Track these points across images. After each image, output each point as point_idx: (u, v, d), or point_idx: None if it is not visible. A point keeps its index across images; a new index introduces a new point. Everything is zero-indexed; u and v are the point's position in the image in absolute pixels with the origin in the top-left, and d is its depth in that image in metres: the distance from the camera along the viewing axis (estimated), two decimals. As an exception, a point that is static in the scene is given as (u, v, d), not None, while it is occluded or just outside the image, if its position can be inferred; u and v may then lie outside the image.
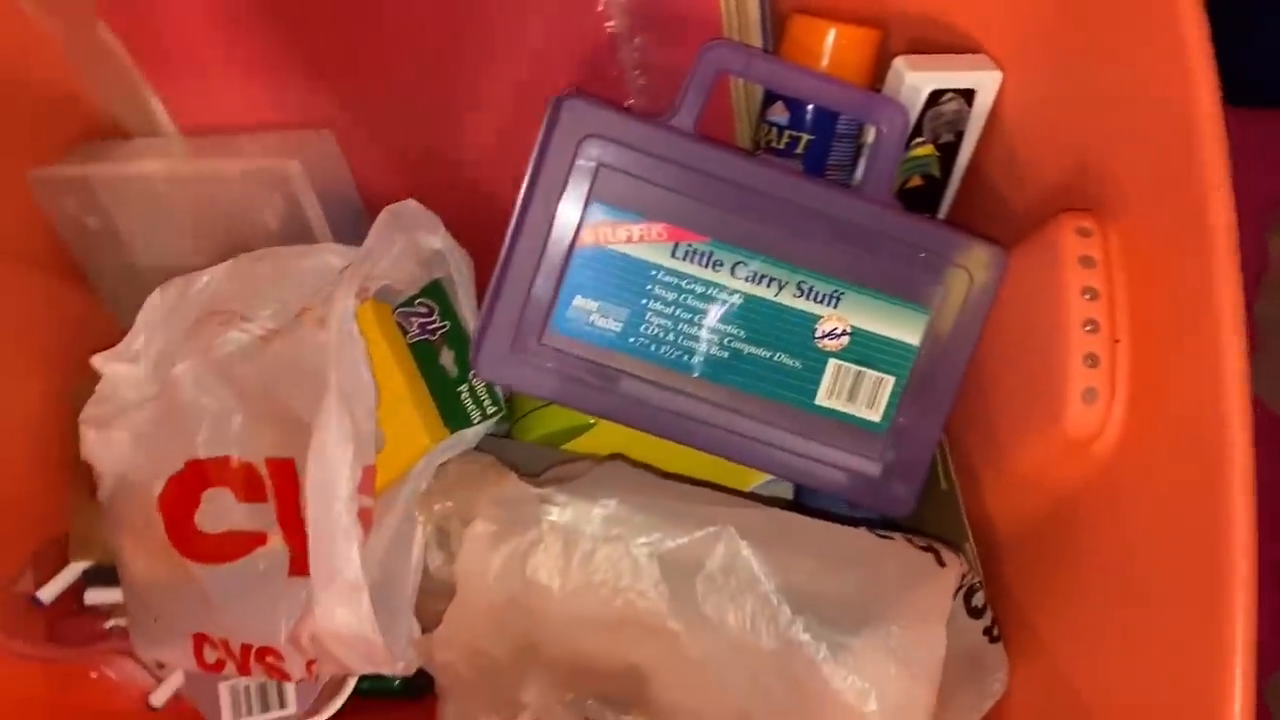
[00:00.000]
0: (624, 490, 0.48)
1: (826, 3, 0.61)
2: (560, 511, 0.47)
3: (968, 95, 0.59)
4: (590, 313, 0.53)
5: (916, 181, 0.62)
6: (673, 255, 0.52)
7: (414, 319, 0.63)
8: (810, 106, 0.60)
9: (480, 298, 0.63)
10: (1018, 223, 0.58)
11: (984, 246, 0.53)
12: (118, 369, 0.64)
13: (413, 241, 0.61)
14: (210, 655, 0.62)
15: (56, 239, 0.71)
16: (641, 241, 0.52)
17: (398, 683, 0.69)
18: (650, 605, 0.46)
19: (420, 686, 0.70)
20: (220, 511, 0.61)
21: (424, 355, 0.62)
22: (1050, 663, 0.51)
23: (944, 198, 0.63)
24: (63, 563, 0.70)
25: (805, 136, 0.60)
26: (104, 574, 0.70)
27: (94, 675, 0.69)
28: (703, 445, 0.54)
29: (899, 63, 0.58)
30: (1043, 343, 0.48)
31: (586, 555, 0.46)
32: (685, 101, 0.53)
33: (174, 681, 0.69)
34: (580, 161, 0.51)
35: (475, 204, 0.65)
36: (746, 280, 0.53)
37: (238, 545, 0.62)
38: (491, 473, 0.50)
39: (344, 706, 0.67)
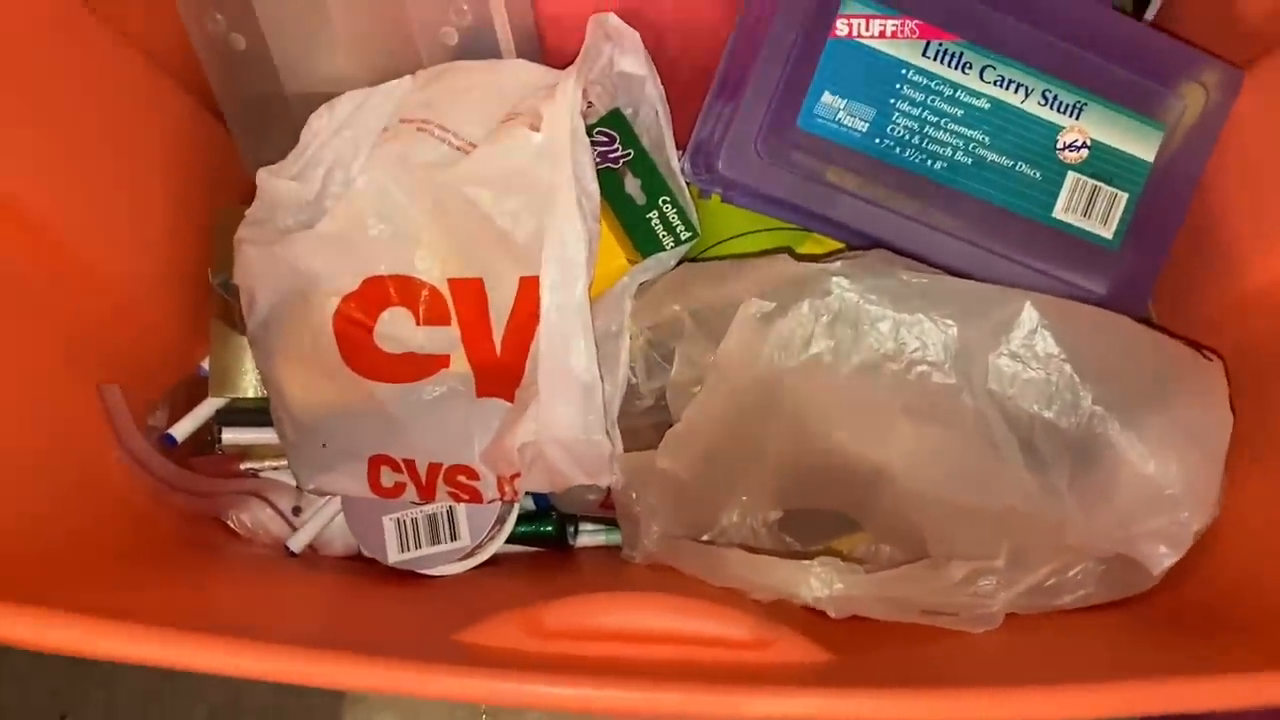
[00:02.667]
0: (901, 269, 0.47)
1: None
2: (850, 284, 0.46)
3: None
4: (838, 110, 0.51)
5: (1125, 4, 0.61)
6: (924, 54, 0.51)
7: (595, 147, 0.61)
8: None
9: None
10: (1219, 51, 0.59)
11: (1220, 65, 0.53)
12: (281, 186, 0.61)
13: (611, 60, 0.59)
14: (388, 479, 0.60)
15: (190, 59, 0.68)
16: (894, 38, 0.51)
17: (551, 528, 0.68)
18: (942, 381, 0.45)
19: (566, 537, 0.68)
20: (399, 333, 0.59)
21: (609, 183, 0.60)
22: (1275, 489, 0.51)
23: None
24: (196, 402, 0.67)
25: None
26: (240, 415, 0.67)
27: (228, 521, 0.66)
28: (940, 257, 0.53)
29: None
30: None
31: (879, 329, 0.45)
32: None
33: (312, 527, 0.66)
34: (841, -51, 0.50)
35: (666, 44, 0.63)
36: (994, 85, 0.52)
37: (419, 367, 0.59)
38: (748, 262, 0.49)
39: (496, 557, 0.65)
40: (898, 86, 0.51)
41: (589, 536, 0.68)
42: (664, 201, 0.59)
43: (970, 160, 0.53)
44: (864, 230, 0.52)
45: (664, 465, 0.51)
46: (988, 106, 0.52)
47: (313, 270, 0.59)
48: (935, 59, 0.51)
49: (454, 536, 0.62)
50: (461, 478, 0.58)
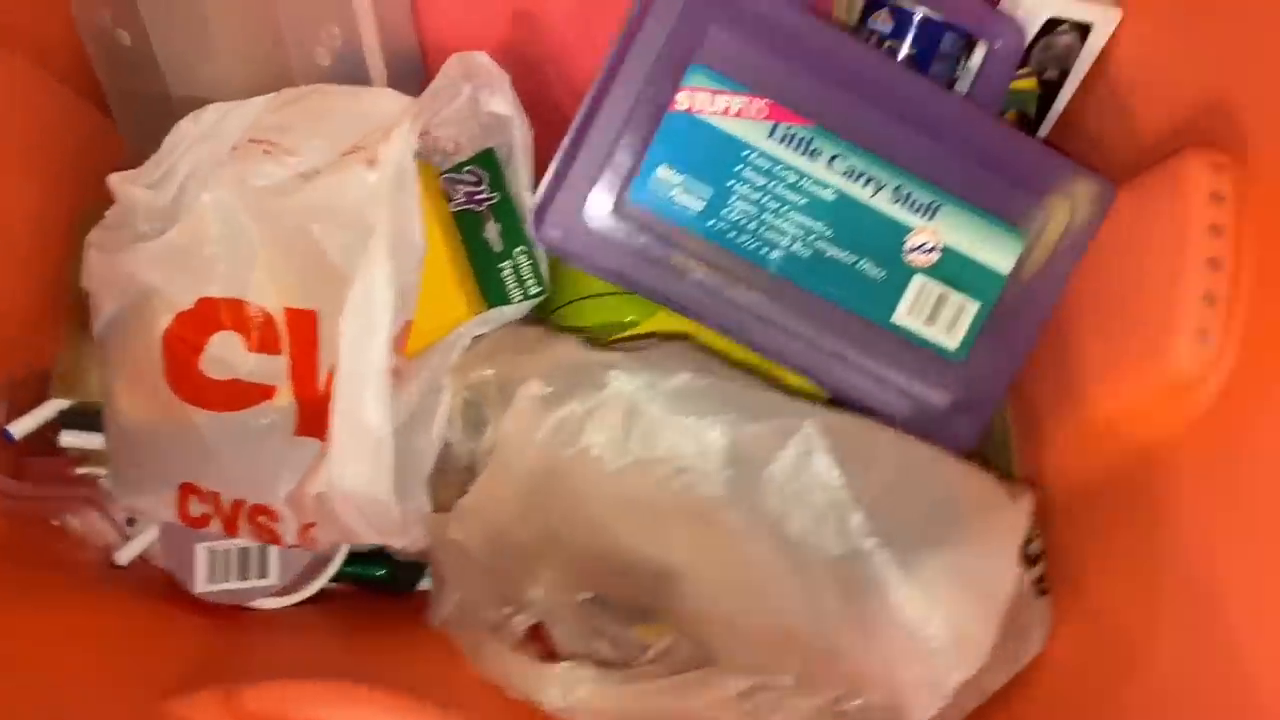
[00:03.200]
0: (696, 367, 0.44)
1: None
2: (628, 379, 0.43)
3: (1083, 30, 0.56)
4: (673, 185, 0.49)
5: (1011, 116, 0.59)
6: (770, 136, 0.49)
7: (460, 187, 0.59)
8: (917, 17, 0.56)
9: (540, 173, 0.58)
10: (1109, 172, 0.56)
11: (1094, 178, 0.50)
12: (135, 193, 0.60)
13: (474, 99, 0.57)
14: (196, 508, 0.58)
15: (81, 55, 0.66)
16: (740, 116, 0.48)
17: (384, 572, 0.65)
18: (710, 492, 0.43)
19: (408, 580, 0.66)
20: (228, 358, 0.57)
21: (468, 225, 0.58)
22: (1098, 628, 0.48)
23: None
24: (42, 399, 0.65)
25: (906, 49, 0.57)
26: (83, 418, 0.66)
27: (56, 523, 0.64)
28: (767, 348, 0.50)
29: (1020, -18, 0.55)
30: (1155, 279, 0.45)
31: (649, 429, 0.43)
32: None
33: (142, 540, 0.64)
34: (687, 17, 0.47)
35: (541, 76, 0.61)
36: (843, 175, 0.49)
37: (242, 395, 0.57)
38: (547, 338, 0.46)
39: (326, 592, 0.63)
40: (738, 168, 0.49)
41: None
42: (520, 252, 0.57)
43: (809, 253, 0.50)
44: (692, 313, 0.50)
45: (455, 536, 0.49)
46: (833, 198, 0.49)
47: (152, 283, 0.57)
48: (782, 142, 0.49)
49: (264, 574, 0.60)
50: (263, 518, 0.56)
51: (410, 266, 0.51)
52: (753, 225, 0.49)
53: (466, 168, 0.59)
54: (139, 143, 0.69)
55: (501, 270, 0.57)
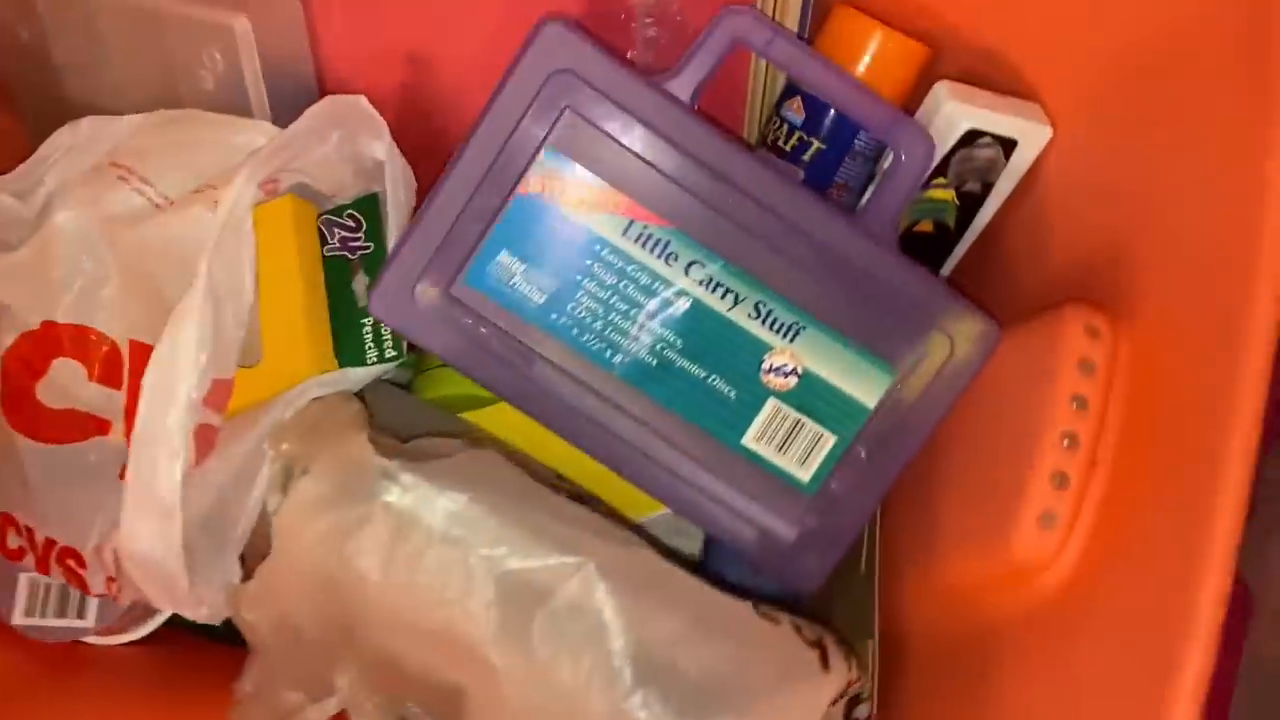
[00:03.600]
0: (484, 487, 0.40)
1: (880, 1, 0.54)
2: (400, 493, 0.40)
3: (1007, 145, 0.51)
4: (514, 273, 0.45)
5: (926, 226, 0.54)
6: (624, 233, 0.45)
7: (337, 230, 0.55)
8: (831, 112, 0.52)
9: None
10: (1024, 301, 0.51)
11: (977, 317, 0.46)
12: (1, 200, 0.57)
13: (352, 144, 0.54)
14: (13, 540, 0.55)
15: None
16: (594, 208, 0.44)
17: (220, 622, 0.62)
18: (474, 630, 0.39)
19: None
20: (67, 386, 0.54)
21: (336, 273, 0.54)
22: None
23: (952, 253, 0.55)
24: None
25: (817, 143, 0.53)
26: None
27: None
28: (603, 456, 0.46)
29: (940, 88, 0.51)
30: (1011, 446, 0.41)
31: (416, 552, 0.39)
32: (689, 65, 0.46)
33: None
34: (546, 96, 0.43)
35: (441, 120, 0.58)
36: (700, 284, 0.45)
37: (75, 427, 0.54)
38: (348, 426, 0.43)
39: (160, 634, 0.59)
40: (588, 262, 0.45)
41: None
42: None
43: (657, 361, 0.46)
44: (526, 410, 0.46)
45: (247, 617, 0.45)
46: (688, 307, 0.45)
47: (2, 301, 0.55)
48: (637, 241, 0.45)
49: (82, 614, 0.57)
50: (71, 562, 0.53)
51: (233, 321, 0.48)
52: (598, 325, 0.45)
53: (348, 210, 0.56)
54: (42, 136, 0.67)
55: (363, 327, 0.54)
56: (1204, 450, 0.37)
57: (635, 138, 0.44)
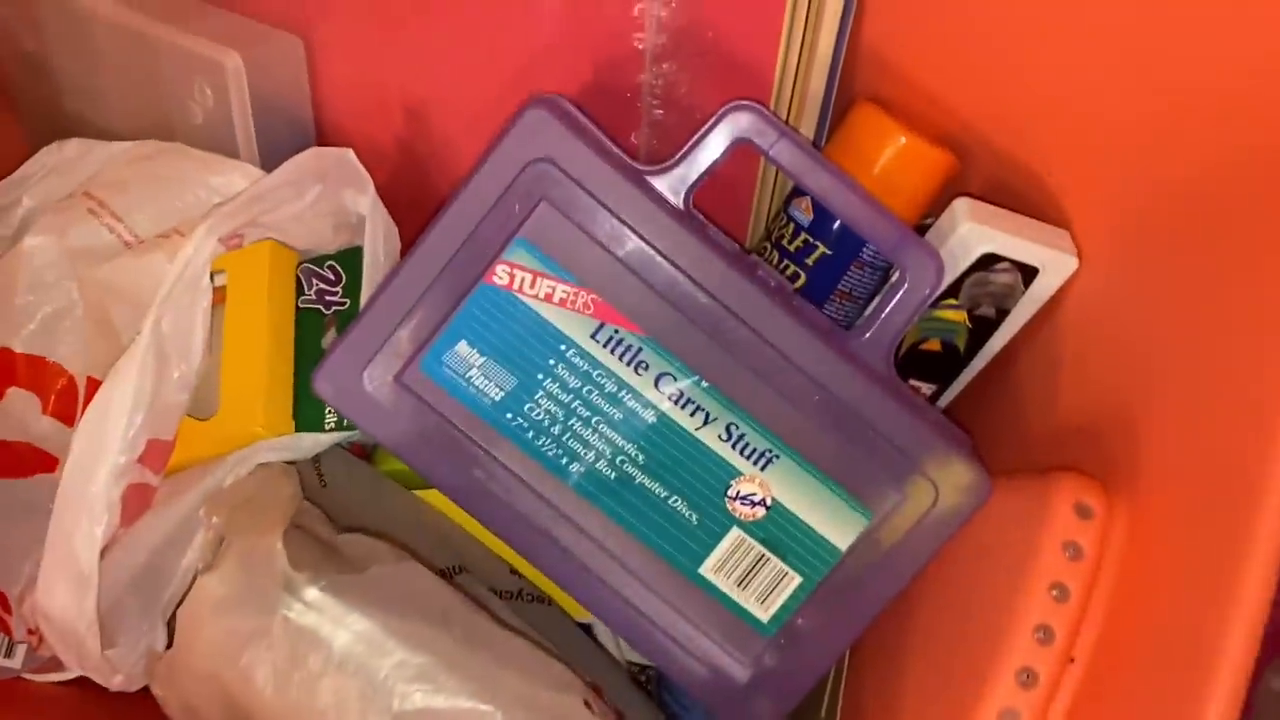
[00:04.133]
0: (400, 609, 0.37)
1: (909, 99, 0.50)
2: (303, 610, 0.37)
3: (1027, 272, 0.47)
4: (471, 366, 0.42)
5: (933, 345, 0.50)
6: (593, 335, 0.41)
7: (315, 281, 0.53)
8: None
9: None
10: (1029, 437, 0.47)
11: (968, 467, 0.42)
12: (-23, 216, 0.55)
13: (334, 198, 0.51)
14: (-58, 571, 0.52)
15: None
16: (562, 305, 0.41)
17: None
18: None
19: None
20: (20, 417, 0.52)
21: (308, 327, 0.52)
22: None
23: (958, 378, 0.51)
24: None
25: (823, 248, 0.49)
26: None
27: None
28: (550, 571, 0.43)
29: (960, 206, 0.47)
30: (979, 629, 0.37)
31: (312, 676, 0.36)
32: (683, 162, 0.42)
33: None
34: (522, 183, 0.40)
35: (434, 178, 0.55)
36: (670, 399, 0.42)
37: (22, 461, 0.52)
38: (274, 514, 0.40)
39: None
40: (551, 363, 0.42)
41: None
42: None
43: (616, 475, 0.42)
44: (468, 509, 0.43)
45: (157, 692, 0.43)
46: (654, 420, 0.42)
47: None
48: (606, 346, 0.42)
49: (8, 655, 0.54)
50: (-4, 604, 0.50)
51: (178, 383, 0.45)
52: (556, 429, 0.42)
53: (329, 262, 0.53)
54: (42, 145, 0.65)
55: None
56: (1194, 659, 0.33)
57: (612, 237, 0.41)
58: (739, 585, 0.43)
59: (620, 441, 0.42)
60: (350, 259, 0.53)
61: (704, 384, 0.41)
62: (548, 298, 0.41)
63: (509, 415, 0.42)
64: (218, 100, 0.52)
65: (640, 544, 0.43)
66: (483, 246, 0.41)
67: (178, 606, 0.45)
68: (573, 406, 0.42)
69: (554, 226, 0.41)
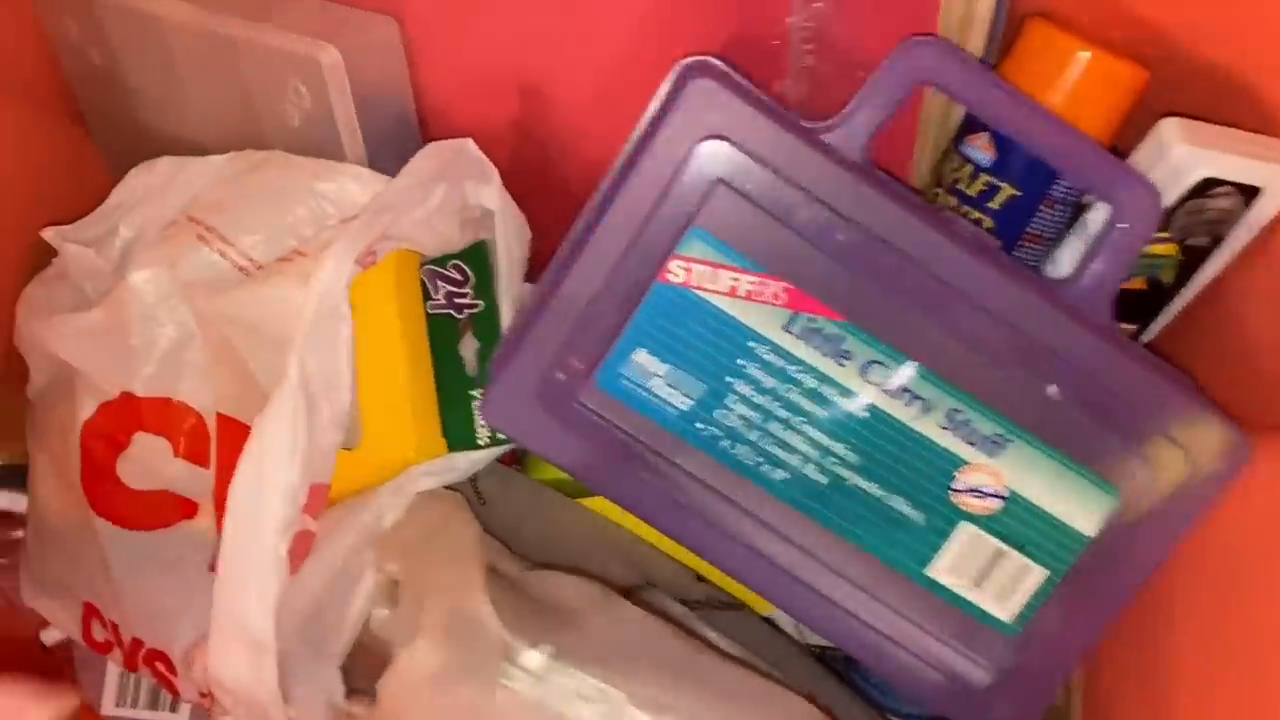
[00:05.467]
0: (630, 667, 0.33)
1: (1083, 12, 0.44)
2: (528, 683, 0.33)
3: (1247, 193, 0.42)
4: (652, 375, 0.38)
5: (1138, 284, 0.45)
6: (787, 328, 0.37)
7: (441, 283, 0.48)
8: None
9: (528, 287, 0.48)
10: (1237, 390, 0.42)
11: (1220, 425, 0.37)
12: (72, 250, 0.51)
13: (457, 193, 0.46)
14: (98, 633, 0.50)
15: (58, 69, 0.58)
16: (749, 299, 0.37)
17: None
18: None
19: None
20: (150, 463, 0.49)
21: (442, 335, 0.48)
22: None
23: (1159, 317, 0.46)
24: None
25: (1008, 189, 0.44)
26: (18, 476, 0.58)
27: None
28: (759, 587, 0.39)
29: (1169, 126, 0.41)
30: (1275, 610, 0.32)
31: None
32: (859, 112, 0.37)
33: (72, 624, 0.57)
34: (693, 166, 0.35)
35: (556, 161, 0.50)
36: (879, 389, 0.37)
37: (160, 511, 0.49)
38: (464, 560, 0.36)
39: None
40: (742, 364, 0.37)
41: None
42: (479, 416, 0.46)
43: (826, 479, 0.38)
44: (666, 533, 0.39)
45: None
46: (864, 415, 0.37)
47: (73, 365, 0.49)
48: (802, 337, 0.37)
49: (175, 709, 0.52)
50: (160, 665, 0.48)
51: (330, 421, 0.41)
52: (754, 436, 0.38)
53: (452, 261, 0.49)
54: (121, 165, 0.61)
55: (472, 400, 0.47)
56: None
57: (801, 214, 0.36)
58: (974, 584, 0.39)
59: (827, 442, 0.38)
60: (475, 256, 0.49)
61: (918, 368, 0.37)
62: (732, 291, 0.36)
63: (699, 425, 0.38)
64: (315, 100, 0.47)
65: (859, 550, 0.39)
66: (653, 243, 0.36)
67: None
68: (770, 409, 0.37)
69: (733, 210, 0.36)
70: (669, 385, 0.38)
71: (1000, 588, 0.39)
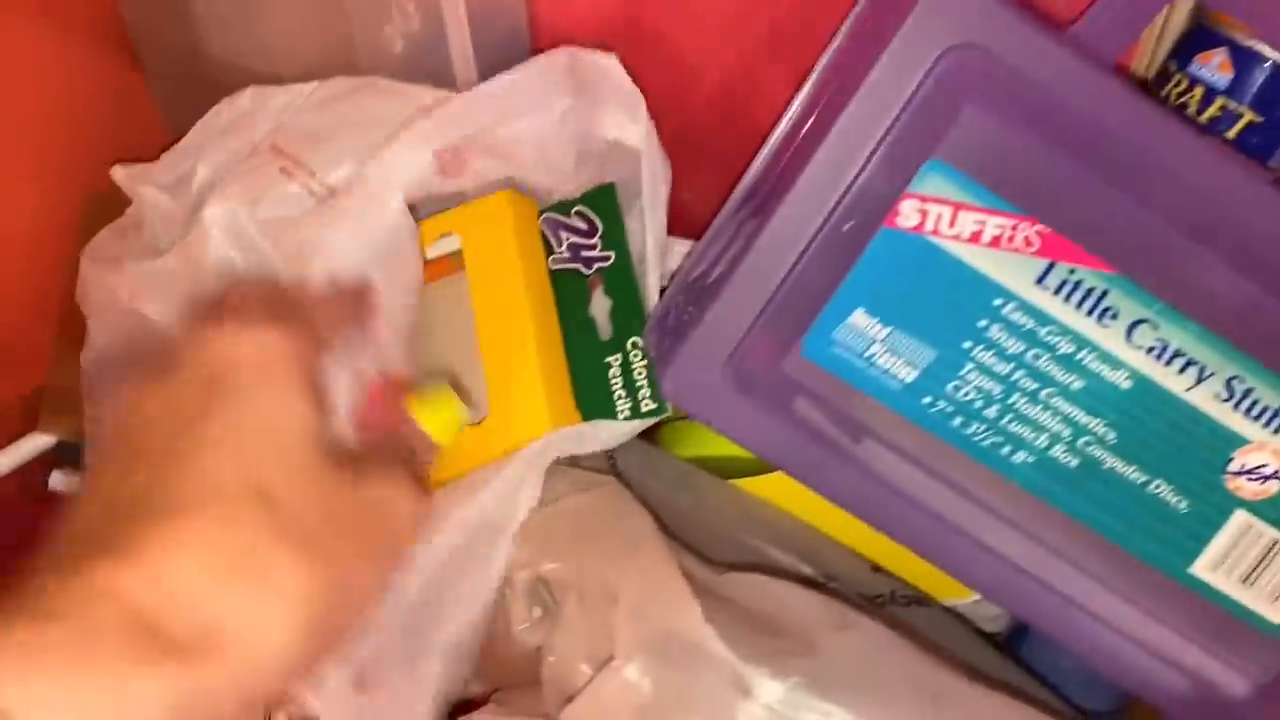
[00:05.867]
0: (884, 700, 0.27)
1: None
2: (782, 710, 0.27)
3: None
4: (872, 340, 0.31)
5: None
6: (1040, 281, 0.30)
7: (564, 233, 0.42)
8: (1266, 71, 0.37)
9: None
10: None
11: None
12: (147, 194, 0.45)
13: (588, 119, 0.40)
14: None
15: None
16: (994, 245, 0.30)
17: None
18: None
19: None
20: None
21: (569, 293, 0.41)
22: None
23: None
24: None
25: (1248, 115, 0.37)
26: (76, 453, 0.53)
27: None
28: (986, 586, 0.33)
29: None
30: None
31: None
32: (1111, 12, 0.30)
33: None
34: (934, 84, 0.29)
35: (701, 93, 0.44)
36: (1149, 353, 0.31)
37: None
38: (650, 563, 0.30)
39: None
40: (983, 325, 0.31)
41: None
42: (634, 346, 0.40)
43: (1077, 463, 0.32)
44: (883, 529, 0.33)
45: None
46: (1129, 385, 0.31)
47: (149, 316, 0.43)
48: (1057, 293, 0.30)
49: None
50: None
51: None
52: (992, 411, 0.31)
53: (576, 208, 0.42)
54: (176, 109, 0.55)
55: (608, 368, 0.40)
56: None
57: (1068, 140, 0.29)
58: (1242, 581, 0.33)
59: (1081, 417, 0.31)
60: (601, 201, 0.42)
61: (1196, 329, 0.30)
62: (974, 237, 0.30)
63: (926, 399, 0.31)
64: (425, 20, 0.41)
65: (1109, 544, 0.32)
66: (880, 180, 0.30)
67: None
68: (1014, 379, 0.31)
69: (982, 136, 0.29)
70: (890, 352, 0.31)
71: (1275, 586, 0.33)
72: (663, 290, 0.41)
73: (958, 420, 0.32)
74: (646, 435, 0.45)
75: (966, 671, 0.31)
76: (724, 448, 0.42)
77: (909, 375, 0.31)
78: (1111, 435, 0.31)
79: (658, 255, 0.40)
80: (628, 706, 0.28)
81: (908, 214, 0.30)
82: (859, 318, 0.31)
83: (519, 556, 0.36)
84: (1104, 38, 0.30)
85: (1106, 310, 0.30)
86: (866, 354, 0.31)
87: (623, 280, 0.41)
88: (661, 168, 0.40)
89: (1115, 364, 0.31)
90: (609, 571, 0.31)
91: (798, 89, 0.37)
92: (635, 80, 0.40)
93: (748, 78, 0.41)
